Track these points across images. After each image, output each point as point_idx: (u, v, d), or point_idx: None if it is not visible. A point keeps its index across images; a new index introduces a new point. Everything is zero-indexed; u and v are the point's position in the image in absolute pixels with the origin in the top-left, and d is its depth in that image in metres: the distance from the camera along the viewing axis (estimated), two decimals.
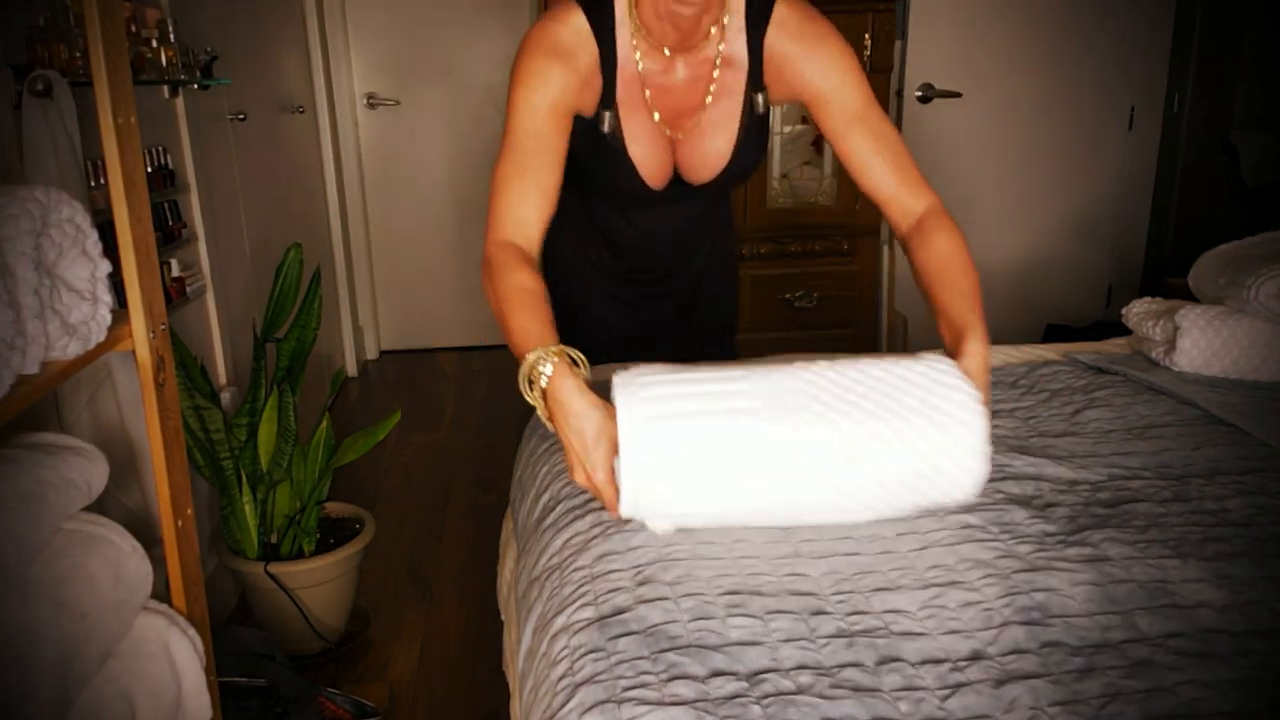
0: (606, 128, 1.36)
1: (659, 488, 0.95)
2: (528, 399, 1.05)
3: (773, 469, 0.95)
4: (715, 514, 1.00)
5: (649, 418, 0.95)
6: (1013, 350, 1.73)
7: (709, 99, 1.36)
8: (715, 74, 1.35)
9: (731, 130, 1.39)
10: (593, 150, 1.38)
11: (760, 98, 1.37)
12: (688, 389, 0.98)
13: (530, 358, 1.03)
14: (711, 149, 1.41)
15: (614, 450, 0.97)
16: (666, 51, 1.33)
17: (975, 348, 1.06)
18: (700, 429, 0.95)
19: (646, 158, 1.39)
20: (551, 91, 1.25)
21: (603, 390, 1.03)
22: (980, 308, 1.13)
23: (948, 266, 1.18)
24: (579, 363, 1.04)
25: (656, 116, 1.37)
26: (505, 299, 1.12)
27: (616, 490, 0.97)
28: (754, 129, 1.41)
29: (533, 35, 1.30)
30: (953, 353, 1.08)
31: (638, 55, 1.33)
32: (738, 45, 1.35)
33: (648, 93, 1.35)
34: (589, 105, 1.34)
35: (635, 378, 0.99)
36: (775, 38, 1.34)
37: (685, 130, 1.39)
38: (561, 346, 1.04)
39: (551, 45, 1.28)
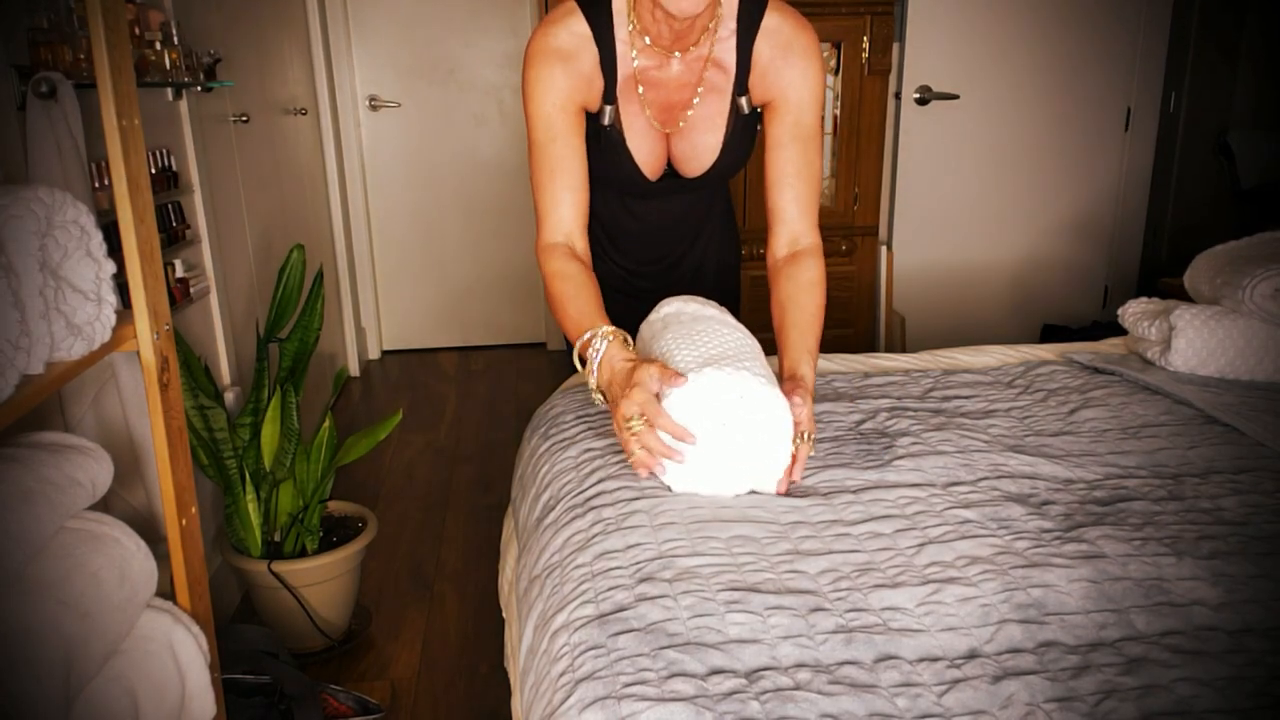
0: (607, 121, 1.42)
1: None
2: (585, 377, 1.21)
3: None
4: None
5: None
6: (1009, 350, 1.74)
7: (696, 98, 1.42)
8: (704, 74, 1.40)
9: (721, 126, 1.45)
10: (595, 142, 1.44)
11: (744, 101, 1.43)
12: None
13: (585, 337, 1.20)
14: (702, 143, 1.47)
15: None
16: (676, 56, 1.38)
17: (799, 402, 1.17)
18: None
19: (641, 148, 1.46)
20: (560, 95, 1.35)
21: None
22: (815, 356, 1.30)
23: (805, 305, 1.33)
24: (628, 343, 1.21)
25: (648, 112, 1.43)
26: (556, 297, 1.29)
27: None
28: (741, 126, 1.46)
29: (535, 43, 1.37)
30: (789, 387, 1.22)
31: (634, 52, 1.38)
32: (727, 49, 1.40)
33: (641, 89, 1.41)
34: (594, 101, 1.41)
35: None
36: (764, 44, 1.39)
37: (676, 125, 1.45)
38: (614, 328, 1.20)
39: (553, 50, 1.35)
